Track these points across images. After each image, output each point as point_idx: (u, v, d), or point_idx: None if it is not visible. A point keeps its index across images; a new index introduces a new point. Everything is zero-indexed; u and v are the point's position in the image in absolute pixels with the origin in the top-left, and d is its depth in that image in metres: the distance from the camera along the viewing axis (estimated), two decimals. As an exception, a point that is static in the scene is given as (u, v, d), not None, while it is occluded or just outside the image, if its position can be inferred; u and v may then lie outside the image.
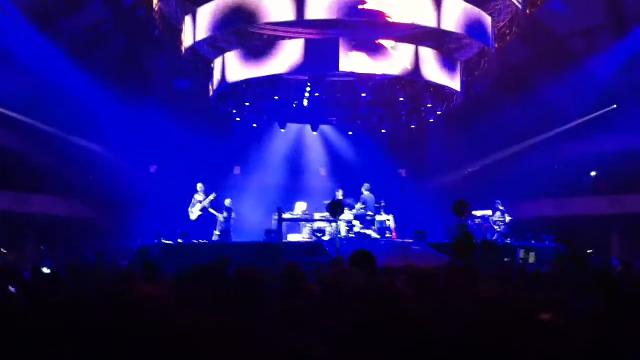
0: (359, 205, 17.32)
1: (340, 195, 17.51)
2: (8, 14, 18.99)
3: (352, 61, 15.75)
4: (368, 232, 17.13)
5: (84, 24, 21.44)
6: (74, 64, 19.93)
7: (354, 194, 17.80)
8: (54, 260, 16.14)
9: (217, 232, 17.54)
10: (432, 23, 15.32)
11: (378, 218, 17.51)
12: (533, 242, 17.66)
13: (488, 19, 16.55)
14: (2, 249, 16.98)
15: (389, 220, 17.64)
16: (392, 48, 15.92)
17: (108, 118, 20.34)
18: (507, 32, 17.82)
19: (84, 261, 14.97)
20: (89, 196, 21.27)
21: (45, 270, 9.25)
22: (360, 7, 14.63)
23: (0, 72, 18.81)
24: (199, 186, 17.86)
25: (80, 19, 21.02)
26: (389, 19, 14.92)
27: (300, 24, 16.47)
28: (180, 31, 17.44)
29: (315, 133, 21.45)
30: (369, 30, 16.96)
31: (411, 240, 15.63)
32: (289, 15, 14.88)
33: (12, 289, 5.61)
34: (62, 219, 21.34)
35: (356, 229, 17.04)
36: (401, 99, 18.82)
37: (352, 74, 17.08)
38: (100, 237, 19.55)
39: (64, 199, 21.60)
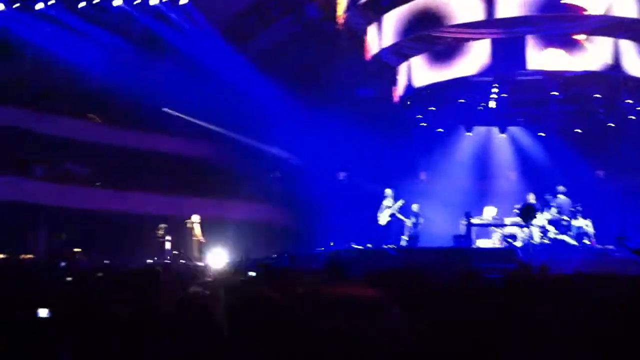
0: (553, 210, 16.50)
1: (531, 198, 16.80)
2: (206, 32, 20.68)
3: (542, 59, 15.13)
4: (564, 237, 16.24)
5: (274, 38, 22.69)
6: (265, 77, 21.19)
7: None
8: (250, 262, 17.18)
9: (405, 237, 17.64)
10: (632, 13, 14.25)
11: (574, 223, 16.51)
12: None
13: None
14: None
15: (587, 225, 16.57)
16: (588, 42, 15.03)
17: (296, 127, 21.31)
18: None
19: (278, 263, 15.77)
20: (283, 202, 22.40)
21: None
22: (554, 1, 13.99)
23: (202, 87, 20.56)
24: (388, 192, 18.08)
25: (270, 34, 22.31)
26: (584, 12, 14.08)
27: (484, 24, 16.11)
28: (364, 40, 17.81)
29: (503, 135, 20.79)
30: (556, 26, 16.16)
31: (612, 247, 14.59)
32: (479, 15, 14.64)
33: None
34: (260, 224, 22.65)
35: (550, 235, 16.23)
36: (596, 96, 17.67)
37: (540, 72, 16.37)
38: (295, 241, 20.46)
39: (261, 205, 22.94)
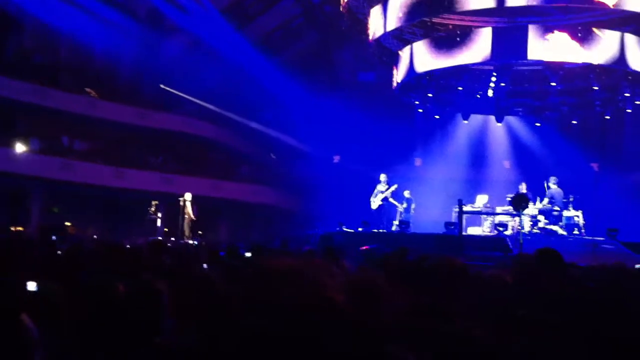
0: (545, 200, 16.60)
1: (523, 188, 16.88)
2: (210, 13, 20.63)
3: (543, 49, 15.10)
4: (554, 228, 16.34)
5: (276, 21, 22.65)
6: (266, 59, 21.18)
7: (540, 188, 17.07)
8: (246, 243, 17.27)
9: (396, 222, 17.73)
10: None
11: (566, 214, 16.62)
12: None
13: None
14: (199, 231, 18.47)
15: (577, 216, 16.67)
16: (593, 34, 15.02)
17: (297, 110, 21.34)
18: None
19: (270, 245, 15.86)
20: (278, 184, 22.50)
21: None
22: None
23: (203, 67, 20.55)
24: (382, 176, 18.14)
25: (272, 17, 22.27)
26: (604, 5, 14.01)
27: (488, 13, 16.06)
28: (366, 24, 17.77)
29: (499, 124, 20.83)
30: (561, 17, 16.13)
31: (602, 239, 14.69)
32: (489, 2, 14.54)
33: (205, 266, 6.20)
34: (254, 205, 22.74)
35: (541, 224, 16.33)
36: (595, 88, 17.70)
37: (540, 62, 16.37)
38: (288, 223, 20.57)
39: (256, 186, 23.03)
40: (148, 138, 22.61)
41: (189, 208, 17.75)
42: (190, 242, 15.52)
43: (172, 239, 16.36)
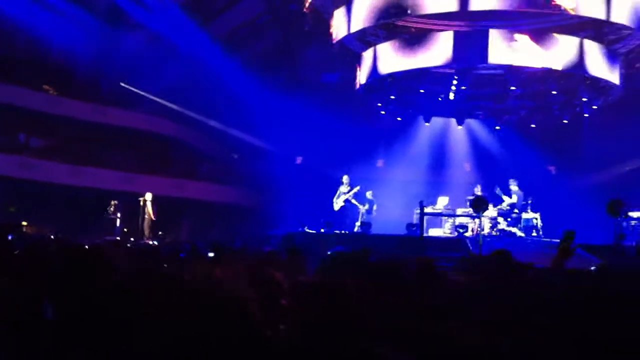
0: (506, 201, 16.87)
1: (478, 190, 17.13)
2: (171, 9, 20.37)
3: (504, 53, 15.33)
4: (513, 229, 16.63)
5: (240, 18, 22.47)
6: (229, 57, 21.00)
7: (501, 189, 17.34)
8: (207, 243, 17.12)
9: (358, 223, 17.79)
10: (601, 15, 14.53)
11: (524, 216, 16.92)
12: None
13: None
14: (159, 232, 18.26)
15: (535, 218, 16.99)
16: (553, 39, 15.30)
17: (259, 109, 21.23)
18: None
19: (230, 245, 15.73)
20: (240, 184, 22.37)
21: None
22: None
23: (167, 65, 20.29)
24: (345, 178, 18.19)
25: (235, 14, 22.08)
26: (563, 11, 14.26)
27: (450, 16, 16.22)
28: (329, 25, 17.78)
29: (460, 127, 21.09)
30: (523, 21, 16.39)
31: (559, 240, 14.96)
32: (452, 6, 14.64)
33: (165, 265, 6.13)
34: (216, 205, 22.58)
35: (500, 226, 16.60)
36: (554, 92, 18.04)
37: (501, 66, 16.62)
38: (250, 223, 20.47)
39: (218, 186, 22.87)
40: (108, 136, 22.25)
41: (149, 208, 17.53)
42: (150, 242, 15.32)
43: (132, 239, 16.13)
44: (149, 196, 17.75)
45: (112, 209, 18.39)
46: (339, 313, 2.10)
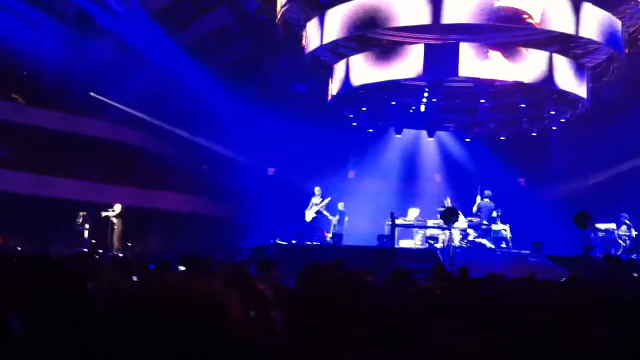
0: (475, 209, 17.07)
1: (448, 202, 17.26)
2: (140, 17, 20.19)
3: (474, 67, 15.47)
4: (483, 241, 16.76)
5: (210, 28, 22.37)
6: (199, 66, 20.87)
7: (470, 201, 17.49)
8: (177, 254, 16.93)
9: (329, 235, 17.76)
10: (570, 29, 14.77)
11: (494, 227, 17.08)
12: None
13: (619, 24, 15.77)
14: (128, 243, 18.02)
15: (505, 230, 17.15)
16: (523, 53, 15.51)
17: (230, 119, 21.12)
18: (639, 37, 16.90)
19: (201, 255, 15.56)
20: (210, 194, 22.19)
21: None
22: (500, 10, 14.23)
23: (136, 74, 20.07)
24: (317, 189, 18.18)
25: (206, 23, 21.98)
26: (531, 25, 14.44)
27: (422, 29, 16.35)
28: (301, 36, 17.81)
29: (431, 139, 21.23)
30: (492, 35, 16.59)
31: (528, 252, 15.13)
32: (424, 19, 14.72)
33: (134, 278, 6.03)
34: (186, 216, 22.36)
35: (470, 238, 16.72)
36: (522, 105, 18.28)
37: (471, 80, 16.79)
38: (221, 234, 20.31)
39: (187, 196, 22.65)
40: (75, 146, 21.89)
41: (117, 219, 17.30)
42: (119, 253, 15.09)
43: (100, 250, 15.87)
44: (117, 207, 17.51)
45: (80, 220, 18.09)
46: (330, 324, 2.07)
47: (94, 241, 18.28)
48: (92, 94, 21.37)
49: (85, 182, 21.29)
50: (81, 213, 18.19)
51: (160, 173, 23.14)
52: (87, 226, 18.33)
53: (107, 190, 20.76)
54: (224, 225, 21.19)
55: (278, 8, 17.25)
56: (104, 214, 17.84)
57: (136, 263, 9.49)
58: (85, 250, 14.60)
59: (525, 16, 14.42)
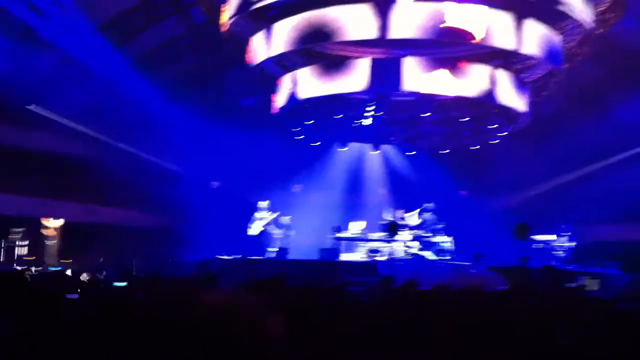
0: (416, 219, 17.23)
1: (388, 215, 17.40)
2: (85, 29, 19.80)
3: (417, 81, 15.64)
4: (426, 253, 16.92)
5: (158, 40, 22.09)
6: (146, 79, 20.57)
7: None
8: (118, 270, 16.57)
9: (274, 249, 17.68)
10: (511, 45, 15.06)
11: (437, 239, 17.27)
12: (598, 269, 16.99)
13: (559, 40, 16.19)
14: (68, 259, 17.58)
15: (448, 242, 17.37)
16: (465, 69, 15.75)
17: (176, 132, 20.87)
18: (578, 52, 17.38)
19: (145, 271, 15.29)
20: (154, 208, 21.82)
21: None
22: (446, 28, 14.40)
23: (80, 87, 19.65)
24: (262, 203, 18.08)
25: (153, 35, 21.68)
26: (476, 41, 14.64)
27: (368, 43, 16.45)
28: (248, 49, 17.73)
29: (376, 152, 21.38)
30: (436, 50, 16.82)
31: (469, 263, 15.35)
32: (372, 33, 14.79)
33: (74, 296, 5.86)
34: (128, 230, 21.95)
35: (413, 250, 16.85)
36: (465, 119, 18.59)
37: (414, 94, 16.98)
38: (164, 248, 19.99)
39: (130, 210, 22.23)
40: (15, 159, 21.26)
41: (56, 234, 16.85)
42: (56, 269, 14.67)
43: (38, 268, 15.41)
44: (56, 222, 17.07)
45: (14, 236, 17.55)
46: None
47: (33, 257, 17.77)
48: (32, 105, 20.82)
49: (25, 197, 20.69)
50: (16, 229, 17.67)
51: (104, 187, 22.61)
52: (25, 242, 17.81)
53: (48, 205, 20.22)
54: (167, 240, 20.86)
55: (225, 20, 17.15)
56: (48, 226, 17.38)
57: (72, 279, 9.25)
58: (19, 268, 14.16)
59: (470, 33, 14.66)
